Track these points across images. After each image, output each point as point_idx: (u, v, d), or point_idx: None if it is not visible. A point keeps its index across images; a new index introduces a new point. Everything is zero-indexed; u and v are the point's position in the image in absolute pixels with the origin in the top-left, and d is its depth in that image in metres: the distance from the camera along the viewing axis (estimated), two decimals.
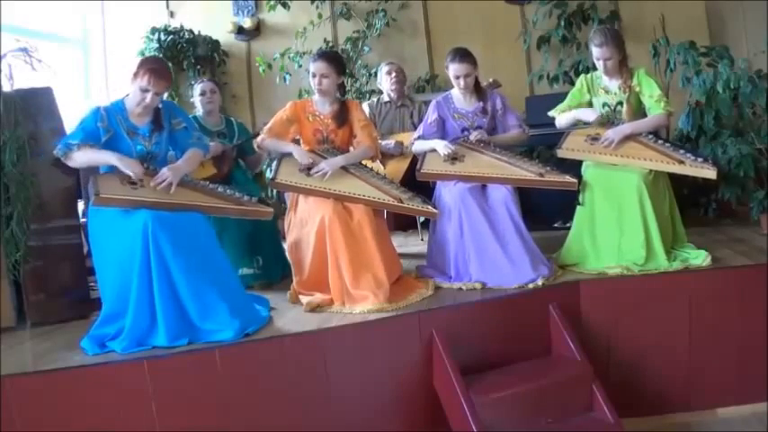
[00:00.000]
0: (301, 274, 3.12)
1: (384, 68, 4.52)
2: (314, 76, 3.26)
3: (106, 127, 2.74)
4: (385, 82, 4.48)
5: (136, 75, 2.74)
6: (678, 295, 3.09)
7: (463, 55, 3.36)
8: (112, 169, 2.74)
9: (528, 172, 3.28)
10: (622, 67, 3.40)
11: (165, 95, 5.53)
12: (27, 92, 3.05)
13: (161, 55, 5.58)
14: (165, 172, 2.73)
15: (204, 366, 2.45)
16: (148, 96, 2.74)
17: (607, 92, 3.46)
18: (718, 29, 5.28)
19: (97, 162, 2.76)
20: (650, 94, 3.34)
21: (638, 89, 3.38)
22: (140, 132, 2.81)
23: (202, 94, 3.80)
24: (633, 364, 3.08)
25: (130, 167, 2.68)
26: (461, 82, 3.38)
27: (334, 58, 3.36)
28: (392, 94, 4.46)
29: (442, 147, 3.36)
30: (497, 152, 3.37)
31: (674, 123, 4.28)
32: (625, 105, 3.40)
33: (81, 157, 2.71)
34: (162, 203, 2.67)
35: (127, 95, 2.84)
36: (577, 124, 3.49)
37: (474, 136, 3.37)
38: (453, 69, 3.37)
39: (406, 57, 5.45)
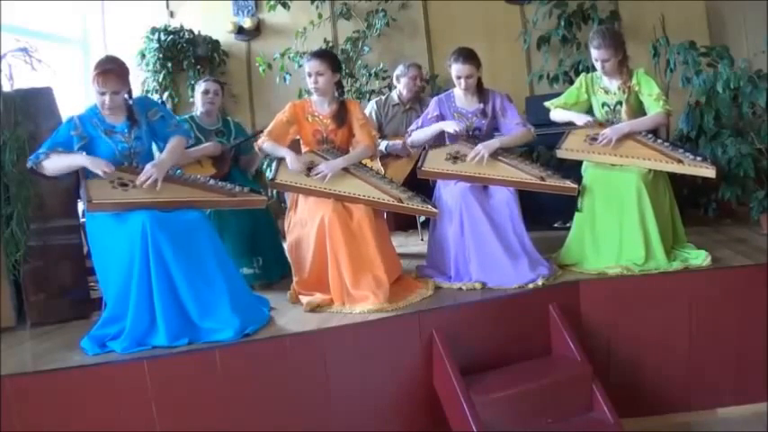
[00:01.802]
0: (301, 274, 3.12)
1: (411, 72, 4.45)
2: (309, 75, 3.26)
3: (80, 134, 2.75)
4: (406, 85, 4.43)
5: (91, 80, 2.76)
6: (678, 295, 3.09)
7: (466, 56, 3.34)
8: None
9: (529, 175, 3.29)
10: (622, 68, 3.40)
11: (166, 95, 5.57)
12: (27, 92, 3.05)
13: (161, 55, 5.60)
14: (148, 169, 2.73)
15: (204, 366, 2.45)
16: (106, 98, 2.75)
17: (606, 92, 3.46)
18: (718, 29, 5.28)
19: (68, 166, 2.73)
20: (649, 92, 3.35)
21: (637, 89, 3.38)
22: (119, 130, 2.82)
23: (205, 92, 3.79)
24: (633, 364, 3.08)
25: (99, 167, 2.67)
26: (462, 83, 3.37)
27: (328, 56, 3.37)
28: (405, 96, 4.43)
29: (452, 124, 3.35)
30: (500, 153, 3.36)
31: (674, 123, 4.28)
32: (624, 105, 3.41)
33: (51, 165, 2.70)
34: (154, 203, 2.67)
35: None
36: (570, 124, 3.49)
37: (471, 158, 3.30)
38: (455, 70, 3.36)
39: (406, 57, 5.43)
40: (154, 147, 3.03)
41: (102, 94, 2.74)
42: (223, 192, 2.89)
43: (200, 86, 3.82)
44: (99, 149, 2.78)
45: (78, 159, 2.72)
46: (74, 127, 2.76)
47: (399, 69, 4.54)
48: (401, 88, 4.46)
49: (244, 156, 3.83)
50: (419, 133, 3.50)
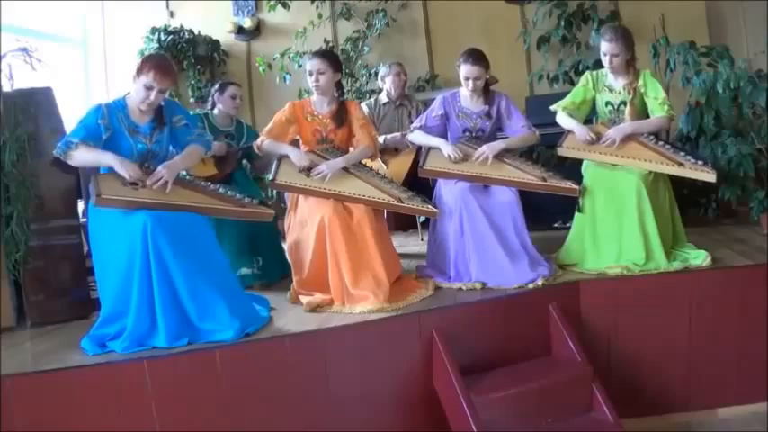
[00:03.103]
0: (301, 274, 3.12)
1: (393, 69, 4.47)
2: (310, 74, 3.27)
3: (107, 124, 2.70)
4: (391, 82, 4.45)
5: (140, 71, 2.69)
6: (678, 295, 3.09)
7: (476, 58, 3.32)
8: (112, 169, 2.73)
9: (531, 176, 3.29)
10: (629, 68, 3.39)
11: (166, 95, 5.57)
12: (27, 92, 3.05)
13: None
14: (160, 170, 2.71)
15: (204, 366, 2.45)
16: (153, 94, 2.70)
17: (611, 91, 3.45)
18: (718, 29, 5.28)
19: (96, 162, 2.72)
20: (655, 96, 3.35)
21: (643, 90, 3.37)
22: (142, 131, 2.79)
23: (233, 97, 3.82)
24: (633, 364, 3.08)
25: (128, 170, 2.65)
26: (470, 84, 3.36)
27: (330, 55, 3.40)
28: (393, 95, 4.45)
29: (450, 149, 3.33)
30: (502, 154, 3.36)
31: (674, 123, 4.28)
32: (628, 106, 3.40)
33: (80, 157, 2.67)
34: (163, 204, 2.66)
35: (128, 94, 2.80)
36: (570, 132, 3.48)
37: (475, 158, 3.30)
38: (465, 70, 3.34)
39: (406, 57, 5.45)
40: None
41: (150, 89, 2.69)
42: (232, 201, 2.87)
43: (229, 90, 3.82)
44: (119, 145, 2.74)
45: (106, 158, 2.68)
46: (101, 116, 2.71)
47: (382, 71, 4.59)
48: (388, 87, 4.50)
49: (256, 161, 3.82)
50: (420, 137, 3.49)
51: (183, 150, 2.86)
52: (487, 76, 3.40)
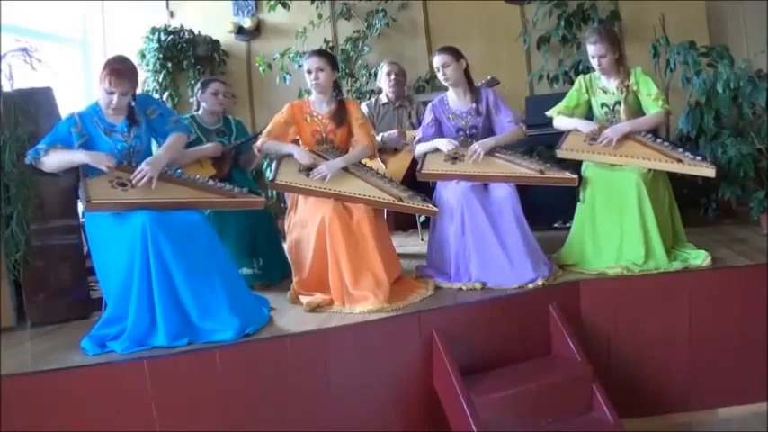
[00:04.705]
0: (301, 275, 3.12)
1: (384, 68, 4.51)
2: (309, 72, 3.29)
3: (80, 132, 2.74)
4: (384, 82, 4.48)
5: (101, 78, 2.73)
6: (678, 295, 3.09)
7: (442, 48, 3.42)
8: (95, 170, 2.73)
9: (528, 169, 3.29)
10: (619, 67, 3.40)
11: (166, 95, 5.57)
12: (27, 92, 3.05)
13: (161, 55, 5.60)
14: (143, 167, 2.71)
15: (204, 366, 2.44)
16: (114, 98, 2.73)
17: (605, 92, 3.46)
18: (718, 29, 5.28)
19: (68, 162, 2.72)
20: (648, 92, 3.35)
21: (635, 88, 3.38)
22: (119, 129, 2.81)
23: (216, 93, 3.76)
24: (633, 364, 3.08)
25: (101, 162, 2.65)
26: (441, 73, 3.41)
27: (327, 54, 3.45)
28: (390, 95, 4.46)
29: (444, 144, 3.38)
30: (497, 150, 3.37)
31: (674, 123, 4.28)
32: (623, 105, 3.40)
33: (50, 160, 2.69)
34: (153, 203, 2.66)
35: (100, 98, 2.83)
36: (572, 131, 3.49)
37: (468, 156, 3.31)
38: (435, 62, 3.43)
39: (406, 57, 5.45)
40: (153, 145, 3.03)
41: (111, 93, 2.73)
42: (222, 192, 2.89)
43: (211, 87, 3.77)
44: (98, 148, 2.77)
45: (78, 156, 2.71)
46: (74, 124, 2.75)
47: (378, 72, 4.61)
48: (384, 89, 4.51)
49: (243, 155, 3.82)
50: (422, 146, 3.52)
51: (165, 142, 2.87)
52: (460, 66, 3.40)
